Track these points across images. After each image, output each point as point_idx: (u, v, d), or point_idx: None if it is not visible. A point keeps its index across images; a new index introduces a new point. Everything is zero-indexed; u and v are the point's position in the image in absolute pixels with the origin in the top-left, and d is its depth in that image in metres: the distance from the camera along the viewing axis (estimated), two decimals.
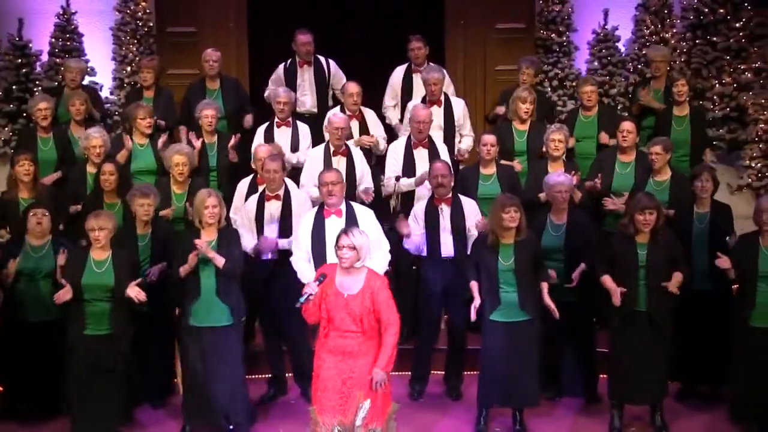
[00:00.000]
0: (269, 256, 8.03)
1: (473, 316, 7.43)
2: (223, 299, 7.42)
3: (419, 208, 8.21)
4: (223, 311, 7.42)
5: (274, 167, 8.09)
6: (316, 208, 7.89)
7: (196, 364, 7.42)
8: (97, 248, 7.40)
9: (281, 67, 9.97)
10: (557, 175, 8.09)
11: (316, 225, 7.65)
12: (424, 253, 8.16)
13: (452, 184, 8.22)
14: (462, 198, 8.20)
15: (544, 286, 7.49)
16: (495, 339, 7.48)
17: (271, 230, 8.03)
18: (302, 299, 6.35)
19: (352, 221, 7.63)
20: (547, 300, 7.45)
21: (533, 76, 9.74)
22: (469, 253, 7.82)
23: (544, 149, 8.76)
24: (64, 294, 7.23)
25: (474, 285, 7.49)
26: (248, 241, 7.99)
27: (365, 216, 7.78)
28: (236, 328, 7.53)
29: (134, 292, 7.20)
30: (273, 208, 8.09)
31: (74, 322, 7.36)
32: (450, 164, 8.38)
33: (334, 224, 7.56)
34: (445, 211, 8.08)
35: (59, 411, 7.80)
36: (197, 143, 8.94)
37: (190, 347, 7.46)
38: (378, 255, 7.57)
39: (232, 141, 9.08)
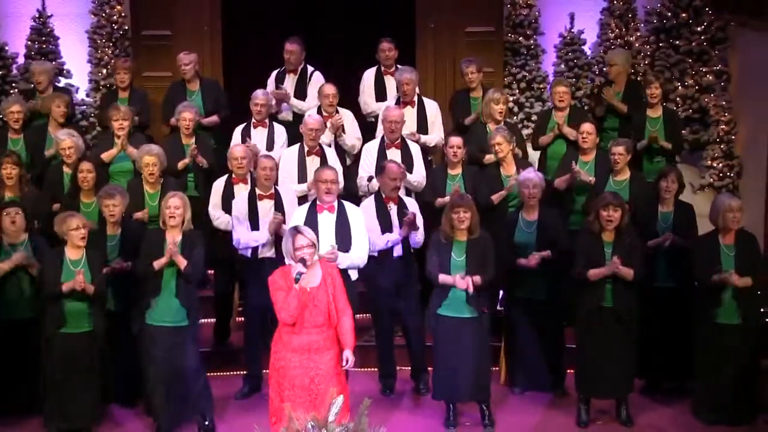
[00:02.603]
0: (268, 252, 8.12)
1: (470, 288, 7.43)
2: (181, 300, 7.51)
3: (369, 204, 8.30)
4: (181, 312, 7.51)
5: (270, 165, 8.22)
6: (307, 203, 7.98)
7: (153, 362, 7.48)
8: (72, 248, 7.48)
9: (274, 73, 10.07)
10: (527, 172, 8.27)
11: (308, 220, 7.68)
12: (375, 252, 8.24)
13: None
14: (404, 198, 8.38)
15: (477, 277, 7.45)
16: (443, 333, 7.62)
17: (265, 227, 8.13)
18: (297, 277, 6.34)
19: (343, 218, 7.77)
20: (464, 278, 7.42)
21: (478, 73, 9.80)
22: (428, 251, 7.84)
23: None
24: (76, 283, 7.29)
25: (443, 276, 7.55)
26: (243, 233, 8.09)
27: (355, 214, 7.90)
28: (192, 330, 7.60)
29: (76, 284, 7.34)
30: (266, 207, 8.19)
31: (51, 320, 7.41)
32: (401, 165, 8.45)
33: (326, 220, 7.68)
34: (392, 210, 8.22)
35: (33, 410, 7.81)
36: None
37: (146, 346, 7.52)
38: (358, 251, 7.75)
39: (193, 150, 9.10)
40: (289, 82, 9.99)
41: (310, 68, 10.04)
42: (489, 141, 8.86)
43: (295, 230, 6.55)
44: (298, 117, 9.70)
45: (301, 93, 9.94)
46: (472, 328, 7.57)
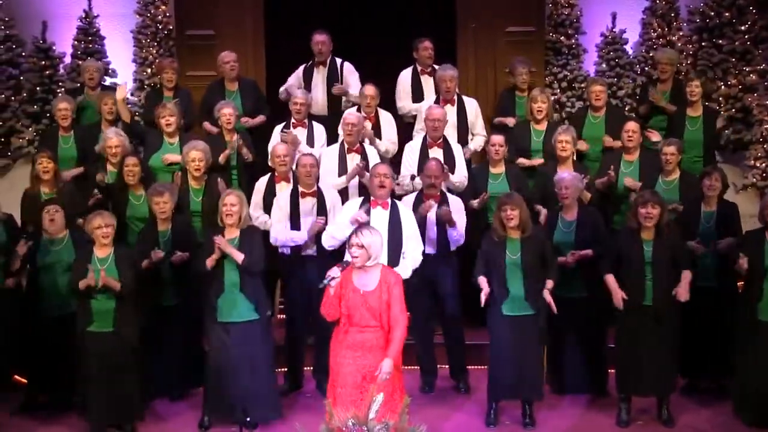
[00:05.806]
0: (310, 249, 8.18)
1: (483, 301, 7.53)
2: (246, 295, 7.56)
3: (408, 201, 8.33)
4: (249, 306, 7.57)
5: (311, 162, 8.25)
6: (361, 198, 8.03)
7: (221, 358, 7.55)
8: (100, 246, 7.55)
9: (302, 67, 10.11)
10: (562, 172, 8.31)
11: None
12: None
13: (443, 183, 8.38)
14: (449, 196, 8.37)
15: (549, 283, 7.63)
16: (502, 332, 7.64)
17: (307, 225, 8.16)
18: (325, 281, 6.38)
19: (395, 218, 7.82)
20: (547, 296, 7.59)
21: (530, 74, 9.87)
22: (480, 249, 7.88)
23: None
24: (86, 281, 7.36)
25: (482, 279, 7.62)
26: (281, 231, 8.13)
27: (407, 215, 7.94)
28: (262, 323, 7.66)
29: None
30: (308, 205, 8.21)
31: (81, 318, 7.51)
32: (442, 164, 8.46)
33: (379, 216, 7.71)
34: (432, 208, 8.18)
35: (69, 405, 7.97)
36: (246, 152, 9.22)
37: (215, 342, 7.60)
38: (412, 253, 7.79)
39: (239, 142, 9.18)
40: (320, 76, 10.03)
41: (338, 60, 10.08)
42: (554, 138, 8.83)
43: (359, 228, 6.57)
44: (335, 112, 9.79)
45: (334, 85, 9.95)
46: (530, 326, 7.63)
